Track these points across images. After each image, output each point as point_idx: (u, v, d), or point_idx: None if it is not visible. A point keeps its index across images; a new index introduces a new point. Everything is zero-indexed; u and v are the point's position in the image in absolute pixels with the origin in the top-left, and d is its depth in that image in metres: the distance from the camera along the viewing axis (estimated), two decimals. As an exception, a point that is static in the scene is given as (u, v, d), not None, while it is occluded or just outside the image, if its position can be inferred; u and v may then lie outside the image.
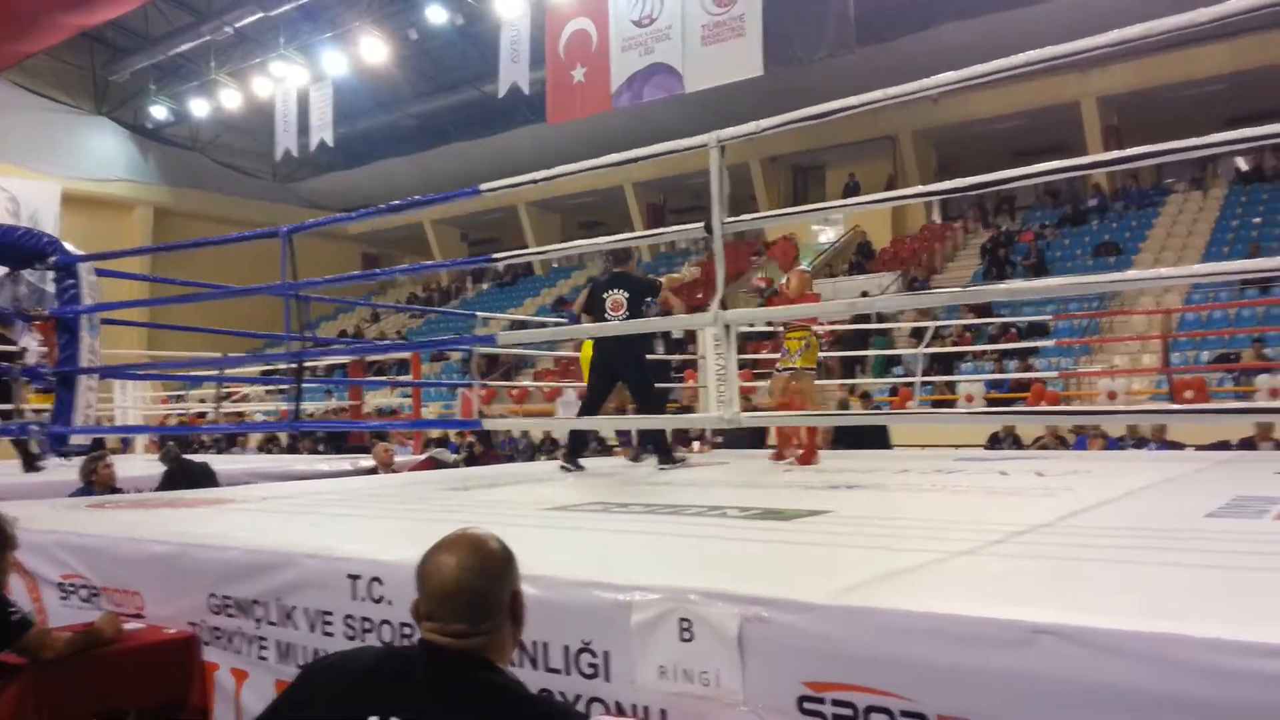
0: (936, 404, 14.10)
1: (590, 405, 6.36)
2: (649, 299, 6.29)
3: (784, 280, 6.28)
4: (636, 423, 6.23)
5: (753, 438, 9.36)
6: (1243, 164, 21.14)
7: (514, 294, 26.98)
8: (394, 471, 8.15)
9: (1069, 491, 4.23)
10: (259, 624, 3.04)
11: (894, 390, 13.70)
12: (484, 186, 3.74)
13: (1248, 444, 9.16)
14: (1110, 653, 1.64)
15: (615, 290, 6.22)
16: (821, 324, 15.02)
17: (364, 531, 3.70)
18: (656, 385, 6.66)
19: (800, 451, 6.26)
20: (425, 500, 4.64)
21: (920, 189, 3.29)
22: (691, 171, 24.23)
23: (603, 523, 3.55)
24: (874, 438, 9.05)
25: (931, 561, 2.46)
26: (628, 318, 6.04)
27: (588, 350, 6.60)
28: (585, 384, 6.71)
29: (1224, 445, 9.15)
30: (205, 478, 7.46)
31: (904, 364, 15.07)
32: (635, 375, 6.26)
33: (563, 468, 6.28)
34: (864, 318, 16.71)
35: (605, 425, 6.59)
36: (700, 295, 21.50)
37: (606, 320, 6.14)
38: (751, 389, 12.70)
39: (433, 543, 1.75)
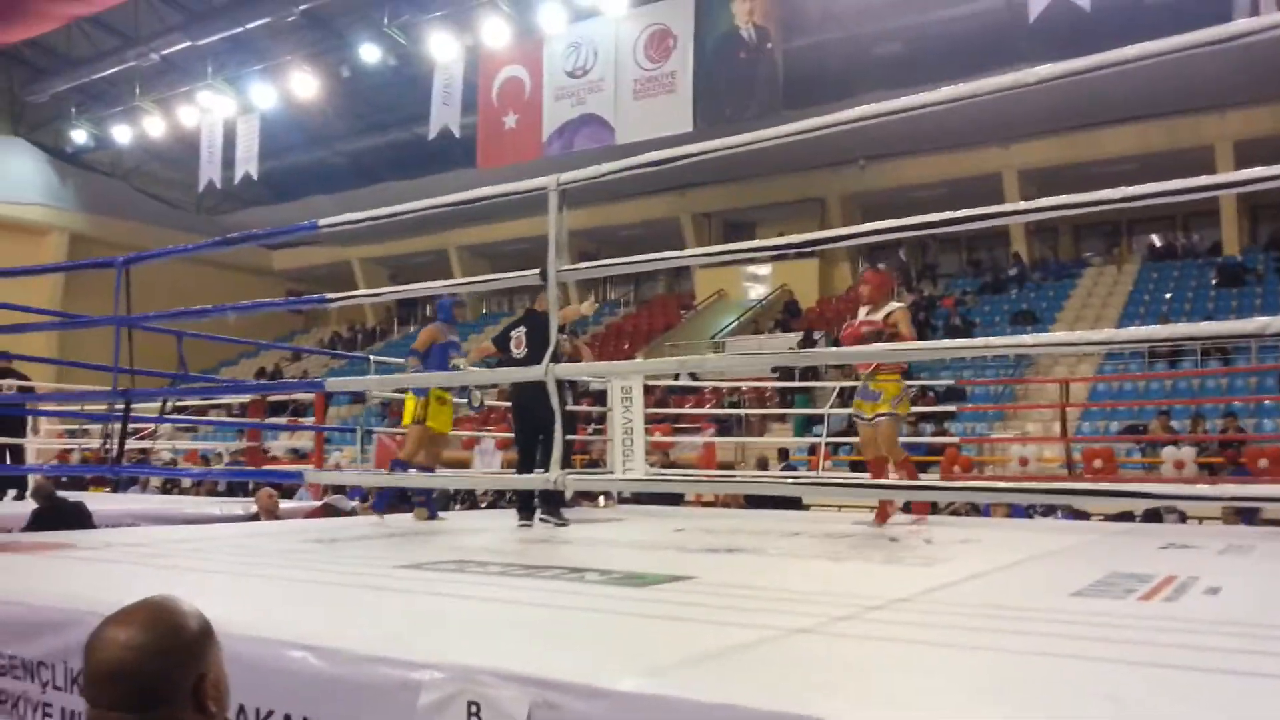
0: (854, 464, 14.08)
1: (524, 458, 6.04)
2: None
3: (883, 315, 5.72)
4: (505, 482, 5.98)
5: (666, 493, 9.18)
6: (1156, 241, 21.85)
7: (440, 338, 26.61)
8: (278, 518, 7.78)
9: (948, 563, 4.11)
10: (45, 688, 2.75)
11: (812, 449, 13.64)
12: (322, 222, 3.56)
13: (1152, 515, 9.22)
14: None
15: (520, 327, 6.12)
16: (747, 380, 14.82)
17: (184, 586, 3.41)
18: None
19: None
20: (279, 554, 4.35)
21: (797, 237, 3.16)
22: (621, 224, 24.32)
23: (446, 585, 3.32)
24: (784, 497, 8.94)
25: (764, 640, 2.30)
26: (527, 356, 5.87)
27: (409, 401, 6.39)
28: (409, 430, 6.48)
29: (1128, 516, 9.19)
30: (77, 518, 7.04)
31: (826, 423, 15.05)
32: (569, 425, 5.97)
33: (541, 520, 5.87)
34: (788, 375, 16.75)
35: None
36: (626, 345, 21.36)
37: (515, 357, 5.99)
38: (670, 444, 12.55)
39: (185, 603, 1.52)
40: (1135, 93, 17.26)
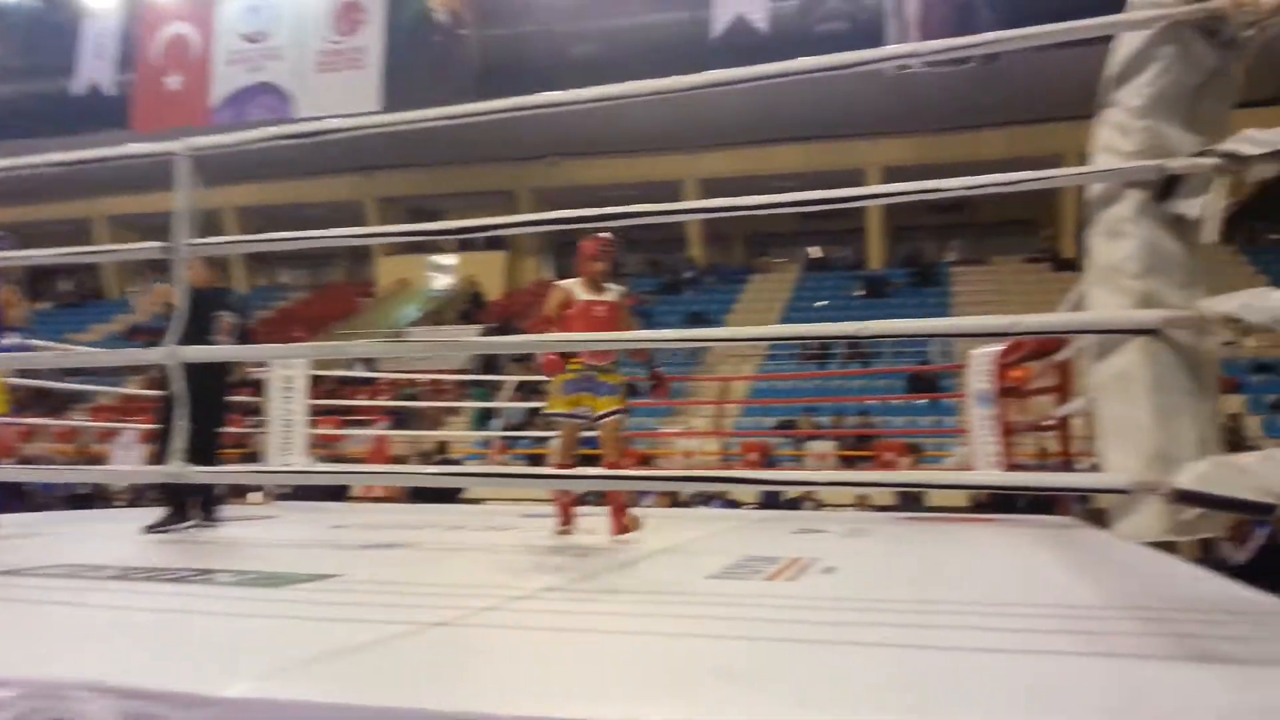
0: (532, 458, 14.24)
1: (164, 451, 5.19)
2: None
3: (616, 297, 4.85)
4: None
5: (329, 488, 8.75)
6: (814, 252, 24.07)
7: (79, 317, 23.87)
8: None
9: (600, 552, 4.22)
10: None
11: (487, 443, 13.63)
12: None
13: (792, 504, 10.08)
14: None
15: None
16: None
17: None
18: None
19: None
20: None
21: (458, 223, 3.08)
22: (300, 202, 23.09)
23: (46, 593, 2.92)
24: (452, 490, 8.86)
25: (398, 635, 2.20)
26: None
27: None
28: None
29: (774, 504, 9.99)
30: None
31: (502, 416, 15.11)
32: (217, 414, 5.23)
33: (199, 525, 5.04)
34: (465, 367, 16.66)
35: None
36: (297, 332, 20.20)
37: (214, 343, 5.22)
38: (338, 437, 12.00)
39: None
40: (802, 114, 18.90)
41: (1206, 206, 1.65)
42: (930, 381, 15.06)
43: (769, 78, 2.52)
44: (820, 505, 10.13)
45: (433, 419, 15.40)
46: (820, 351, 16.99)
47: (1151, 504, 1.71)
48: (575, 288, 4.84)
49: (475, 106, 2.73)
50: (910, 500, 8.31)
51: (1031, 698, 1.70)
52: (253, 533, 5.16)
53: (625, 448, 4.91)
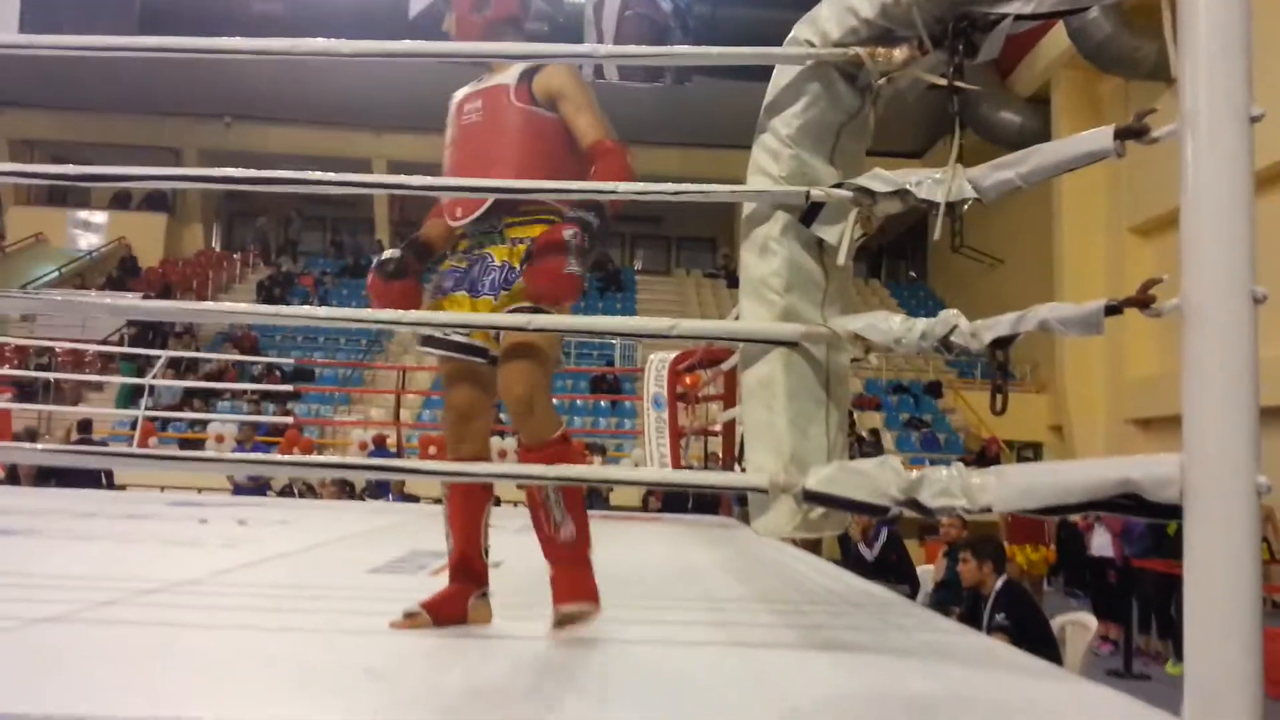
0: (185, 443, 13.13)
1: None
2: None
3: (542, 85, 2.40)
4: None
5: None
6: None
7: None
8: None
9: (254, 544, 3.95)
10: None
11: (135, 424, 12.40)
12: None
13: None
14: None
15: None
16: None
17: None
18: None
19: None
20: None
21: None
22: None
23: None
24: (86, 472, 7.97)
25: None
26: None
27: None
28: None
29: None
30: None
31: (154, 396, 13.81)
32: None
33: None
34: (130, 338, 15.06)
35: None
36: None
37: None
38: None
39: None
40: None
41: (842, 233, 1.84)
42: (613, 384, 15.60)
43: (460, 57, 2.47)
44: (499, 500, 10.14)
45: (70, 394, 13.79)
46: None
47: (784, 503, 1.86)
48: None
49: (131, 41, 2.42)
50: (596, 497, 8.59)
51: (673, 687, 1.78)
52: None
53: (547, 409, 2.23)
